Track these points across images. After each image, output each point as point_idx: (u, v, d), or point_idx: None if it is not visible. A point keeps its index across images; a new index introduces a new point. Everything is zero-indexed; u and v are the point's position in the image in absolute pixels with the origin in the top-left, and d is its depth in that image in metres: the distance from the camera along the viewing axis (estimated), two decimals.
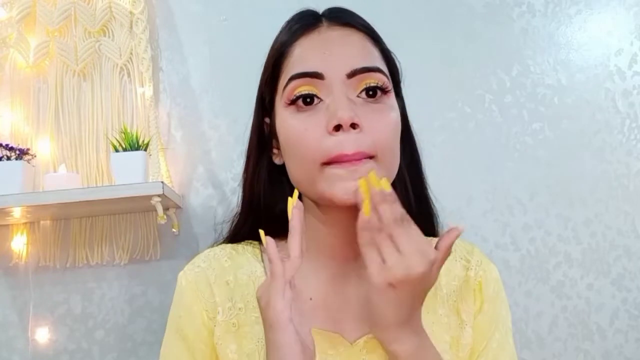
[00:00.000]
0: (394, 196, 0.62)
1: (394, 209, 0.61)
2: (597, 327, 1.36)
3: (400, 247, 0.60)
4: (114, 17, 1.39)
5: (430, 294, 0.74)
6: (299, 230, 0.64)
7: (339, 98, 0.66)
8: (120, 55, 1.38)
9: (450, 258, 0.77)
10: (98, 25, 1.39)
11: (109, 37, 1.40)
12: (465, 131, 1.42)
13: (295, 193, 0.66)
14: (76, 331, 1.34)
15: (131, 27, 1.39)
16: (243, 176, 0.80)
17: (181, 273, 0.77)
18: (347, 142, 0.64)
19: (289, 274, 0.62)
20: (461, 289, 0.76)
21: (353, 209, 0.64)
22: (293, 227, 0.64)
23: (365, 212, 0.61)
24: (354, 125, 0.65)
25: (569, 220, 1.39)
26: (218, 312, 0.73)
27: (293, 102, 0.69)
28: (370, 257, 0.61)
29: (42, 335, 1.33)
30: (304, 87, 0.68)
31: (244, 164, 0.80)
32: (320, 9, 0.77)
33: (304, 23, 0.72)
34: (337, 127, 0.65)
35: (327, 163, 0.66)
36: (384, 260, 0.60)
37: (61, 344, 1.33)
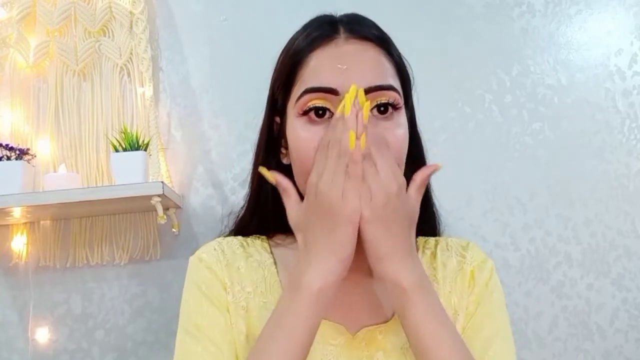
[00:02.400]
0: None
1: (376, 133, 0.66)
2: (597, 327, 1.36)
3: (378, 168, 0.64)
4: (114, 17, 1.39)
5: None
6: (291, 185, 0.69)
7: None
8: (120, 55, 1.38)
9: (447, 254, 0.79)
10: (98, 25, 1.39)
11: (109, 37, 1.40)
12: (465, 131, 1.42)
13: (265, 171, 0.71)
14: (76, 331, 1.34)
15: (131, 27, 1.39)
16: (251, 173, 0.81)
17: (194, 256, 0.77)
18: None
19: None
20: (456, 280, 0.77)
21: None
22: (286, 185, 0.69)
23: (345, 111, 0.64)
24: None
25: (569, 220, 1.39)
26: (228, 293, 0.74)
27: (305, 113, 0.70)
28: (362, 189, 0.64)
29: (42, 335, 1.33)
30: (317, 101, 0.69)
31: (253, 161, 0.81)
32: (323, 10, 0.77)
33: (321, 33, 0.73)
34: None
35: None
36: (370, 191, 0.63)
37: (61, 344, 1.33)
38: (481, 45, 1.44)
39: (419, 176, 0.68)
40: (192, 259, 0.78)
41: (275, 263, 0.77)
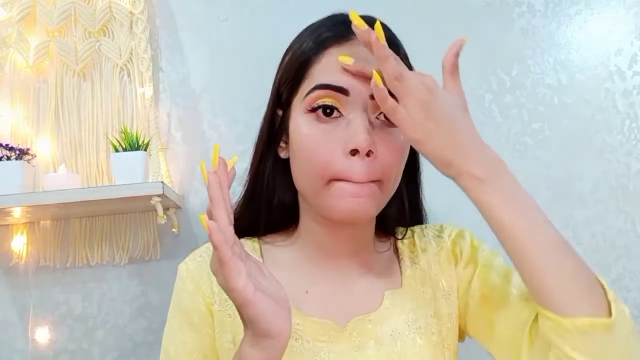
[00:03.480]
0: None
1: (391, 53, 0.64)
2: None
3: (405, 84, 0.63)
4: (114, 17, 1.39)
5: (410, 274, 0.77)
6: (219, 199, 0.57)
7: (361, 121, 0.67)
8: (120, 55, 1.38)
9: (425, 240, 0.81)
10: (98, 25, 1.39)
11: (109, 37, 1.40)
12: None
13: (215, 151, 0.60)
14: (76, 331, 1.34)
15: (131, 27, 1.39)
16: (250, 165, 0.81)
17: (182, 264, 0.79)
18: (358, 170, 0.66)
19: (229, 251, 0.56)
20: (440, 261, 0.79)
21: None
22: (212, 197, 0.57)
23: (377, 82, 0.64)
24: (369, 153, 0.67)
25: (569, 220, 1.39)
26: (215, 302, 0.74)
27: (313, 110, 0.69)
28: (399, 117, 0.63)
29: (42, 335, 1.33)
30: (327, 99, 0.69)
31: (252, 153, 0.81)
32: (323, 11, 0.77)
33: (336, 32, 0.72)
34: (354, 152, 0.67)
35: (333, 180, 0.68)
36: (407, 110, 0.63)
37: (61, 344, 1.33)
38: (481, 45, 1.44)
39: (447, 61, 0.68)
40: (179, 267, 0.78)
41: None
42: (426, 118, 0.63)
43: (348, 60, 0.67)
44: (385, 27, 0.75)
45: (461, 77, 1.44)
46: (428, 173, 0.85)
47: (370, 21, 0.75)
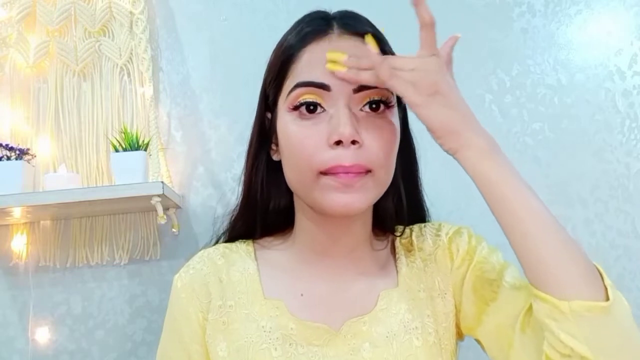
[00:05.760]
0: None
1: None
2: None
3: (409, 59, 0.66)
4: (114, 17, 1.39)
5: (406, 272, 0.77)
6: None
7: (343, 113, 0.67)
8: (120, 55, 1.38)
9: (422, 239, 0.80)
10: (98, 25, 1.39)
11: (109, 37, 1.40)
12: None
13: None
14: (76, 331, 1.34)
15: (131, 27, 1.39)
16: (243, 169, 0.81)
17: (176, 276, 0.78)
18: (345, 155, 0.66)
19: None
20: (436, 260, 0.79)
21: None
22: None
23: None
24: (354, 142, 0.67)
25: (569, 220, 1.39)
26: (210, 310, 0.74)
27: (296, 108, 0.70)
28: (397, 82, 0.65)
29: (42, 335, 1.33)
30: (308, 96, 0.69)
31: (245, 157, 0.81)
32: (322, 9, 0.77)
33: (314, 27, 0.72)
34: (338, 142, 0.67)
35: (324, 173, 0.67)
36: (412, 83, 0.65)
37: (61, 344, 1.33)
38: (481, 45, 1.44)
39: (444, 52, 0.70)
40: (174, 279, 0.78)
41: (258, 269, 0.77)
42: (433, 84, 0.65)
43: (341, 57, 0.68)
44: (369, 23, 0.75)
45: (461, 77, 1.44)
46: (433, 174, 0.84)
47: (351, 15, 0.75)
